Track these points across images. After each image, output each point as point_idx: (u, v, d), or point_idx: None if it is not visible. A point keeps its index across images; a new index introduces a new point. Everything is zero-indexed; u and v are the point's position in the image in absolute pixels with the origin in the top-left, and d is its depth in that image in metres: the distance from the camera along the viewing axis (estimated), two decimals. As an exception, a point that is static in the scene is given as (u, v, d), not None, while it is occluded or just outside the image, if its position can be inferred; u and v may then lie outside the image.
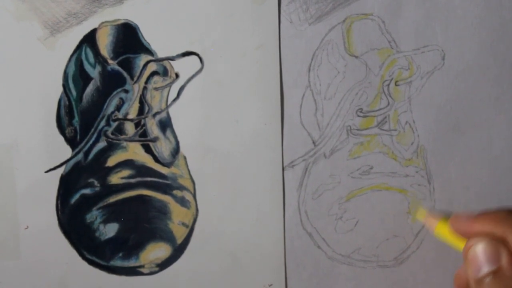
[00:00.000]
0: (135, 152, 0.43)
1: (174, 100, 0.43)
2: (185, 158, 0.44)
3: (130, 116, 0.43)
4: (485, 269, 0.34)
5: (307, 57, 0.44)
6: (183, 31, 0.43)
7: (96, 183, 0.43)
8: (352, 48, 0.44)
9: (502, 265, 0.33)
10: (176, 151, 0.44)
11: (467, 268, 0.35)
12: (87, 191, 0.43)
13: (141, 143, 0.43)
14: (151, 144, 0.43)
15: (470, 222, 0.36)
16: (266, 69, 0.43)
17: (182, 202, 0.44)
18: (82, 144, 0.43)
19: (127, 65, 0.43)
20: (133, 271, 0.44)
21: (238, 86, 0.43)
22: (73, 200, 0.43)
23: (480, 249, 0.34)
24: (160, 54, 0.43)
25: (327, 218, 0.45)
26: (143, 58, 0.43)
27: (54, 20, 0.42)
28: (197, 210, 0.44)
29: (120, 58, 0.43)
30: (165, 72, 0.43)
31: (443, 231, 0.41)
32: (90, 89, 0.43)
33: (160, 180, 0.44)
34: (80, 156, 0.43)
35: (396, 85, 0.44)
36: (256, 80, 0.43)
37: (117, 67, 0.43)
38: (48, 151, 0.43)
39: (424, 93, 0.44)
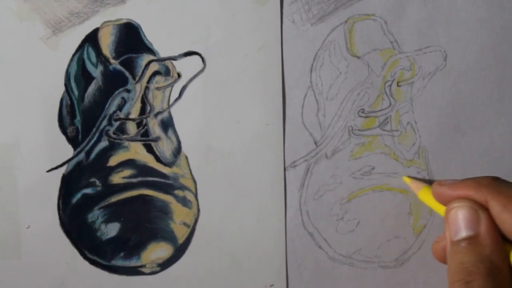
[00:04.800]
0: (136, 151, 0.43)
1: (176, 100, 0.43)
2: (186, 158, 0.44)
3: (132, 116, 0.43)
4: (463, 233, 0.33)
5: (309, 58, 0.44)
6: (185, 31, 0.43)
7: (97, 182, 0.43)
8: (354, 48, 0.44)
9: (480, 232, 0.33)
10: (177, 151, 0.44)
11: (446, 230, 0.35)
12: (88, 190, 0.43)
13: (143, 142, 0.43)
14: (152, 144, 0.43)
15: (452, 187, 0.36)
16: (268, 70, 0.43)
17: (184, 202, 0.44)
18: (84, 144, 0.43)
19: (129, 65, 0.43)
20: (134, 271, 0.44)
21: (240, 86, 0.43)
22: (74, 200, 0.43)
23: (460, 213, 0.34)
24: (162, 54, 0.43)
25: (328, 219, 0.45)
26: (145, 57, 0.43)
27: (56, 20, 0.42)
28: (198, 210, 0.44)
29: (122, 57, 0.43)
30: (167, 72, 0.43)
31: (426, 196, 0.41)
32: (92, 88, 0.43)
33: (162, 180, 0.44)
34: (81, 155, 0.43)
35: (398, 85, 0.44)
36: (258, 80, 0.43)
37: (119, 67, 0.43)
38: (50, 151, 0.43)
39: (426, 94, 0.44)
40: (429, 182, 0.42)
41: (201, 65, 0.43)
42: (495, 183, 0.34)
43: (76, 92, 0.43)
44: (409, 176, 0.44)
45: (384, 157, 0.44)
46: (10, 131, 0.43)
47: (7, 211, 0.43)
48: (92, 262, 0.44)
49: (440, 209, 0.38)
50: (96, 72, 0.43)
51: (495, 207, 0.33)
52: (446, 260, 0.36)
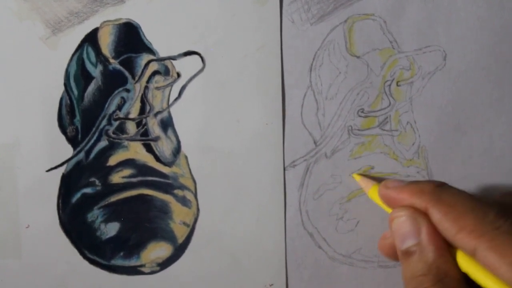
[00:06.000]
0: (136, 151, 0.44)
1: (176, 99, 0.43)
2: (186, 157, 0.44)
3: (131, 116, 0.43)
4: (407, 243, 0.34)
5: (308, 57, 0.44)
6: (185, 31, 0.43)
7: (97, 182, 0.43)
8: (353, 48, 0.44)
9: (421, 241, 0.33)
10: (177, 150, 0.44)
11: (393, 237, 0.35)
12: (88, 190, 0.43)
13: (143, 142, 0.43)
14: (152, 143, 0.43)
15: (396, 191, 0.36)
16: (268, 69, 0.43)
17: (183, 201, 0.44)
18: (83, 143, 0.43)
19: (129, 65, 0.43)
20: (134, 271, 0.44)
21: (240, 86, 0.43)
22: (74, 199, 0.43)
23: (401, 222, 0.34)
24: (162, 53, 0.43)
25: (328, 218, 0.45)
26: (145, 57, 0.43)
27: (56, 20, 0.42)
28: (198, 209, 0.44)
29: (122, 57, 0.43)
30: (166, 72, 0.43)
31: (375, 195, 0.41)
32: (91, 88, 0.43)
33: (161, 180, 0.44)
34: (81, 155, 0.43)
35: (397, 85, 0.44)
36: (258, 80, 0.43)
37: (118, 67, 0.43)
38: (49, 150, 0.43)
39: (426, 94, 0.44)
40: (380, 180, 0.42)
41: (200, 65, 0.43)
42: (437, 190, 0.34)
43: (75, 92, 0.43)
44: (359, 174, 0.44)
45: (383, 157, 0.44)
46: (10, 131, 0.43)
47: (7, 211, 0.43)
48: (92, 262, 0.44)
49: (388, 210, 0.38)
50: (96, 71, 0.43)
51: (435, 215, 0.33)
52: (393, 256, 0.37)
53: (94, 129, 0.43)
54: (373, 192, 0.41)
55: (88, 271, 0.44)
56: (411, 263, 0.33)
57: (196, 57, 0.43)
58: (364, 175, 0.44)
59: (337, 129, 0.44)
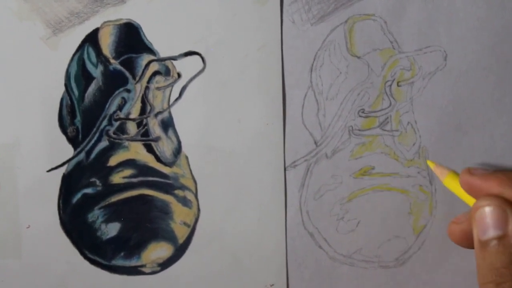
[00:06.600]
0: (137, 151, 0.43)
1: (176, 99, 0.43)
2: (187, 157, 0.44)
3: (132, 116, 0.43)
4: (491, 233, 0.33)
5: (309, 58, 0.44)
6: (185, 31, 0.43)
7: (98, 182, 0.43)
8: (354, 48, 0.44)
9: (508, 232, 0.32)
10: (178, 150, 0.44)
11: (473, 227, 0.34)
12: (88, 190, 0.43)
13: (143, 142, 0.43)
14: (153, 143, 0.43)
15: (482, 179, 0.35)
16: (268, 70, 0.43)
17: (184, 201, 0.44)
18: (84, 144, 0.43)
19: (129, 65, 0.43)
20: (134, 271, 0.44)
21: (240, 86, 0.43)
22: (74, 200, 0.43)
23: (488, 212, 0.33)
24: (162, 53, 0.43)
25: (328, 219, 0.45)
26: (145, 57, 0.43)
27: (57, 20, 0.42)
28: (198, 209, 0.44)
29: (122, 57, 0.43)
30: (167, 72, 0.43)
31: (453, 183, 0.39)
32: (92, 88, 0.43)
33: (162, 180, 0.44)
34: (82, 155, 0.43)
35: (398, 85, 0.44)
36: (258, 80, 0.43)
37: (119, 67, 0.43)
38: (50, 151, 0.43)
39: (426, 94, 0.44)
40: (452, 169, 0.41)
41: (201, 65, 0.43)
42: None
43: (76, 92, 0.43)
44: (432, 161, 0.43)
45: (384, 157, 0.44)
46: (10, 131, 0.43)
47: (7, 211, 0.43)
48: (93, 262, 0.44)
49: (466, 198, 0.37)
50: (96, 72, 0.43)
51: None
52: (462, 242, 0.35)
53: (94, 129, 0.43)
54: (449, 179, 0.40)
55: (88, 271, 0.44)
56: (491, 253, 0.32)
57: (196, 57, 0.43)
58: (438, 163, 0.43)
59: (338, 129, 0.44)
